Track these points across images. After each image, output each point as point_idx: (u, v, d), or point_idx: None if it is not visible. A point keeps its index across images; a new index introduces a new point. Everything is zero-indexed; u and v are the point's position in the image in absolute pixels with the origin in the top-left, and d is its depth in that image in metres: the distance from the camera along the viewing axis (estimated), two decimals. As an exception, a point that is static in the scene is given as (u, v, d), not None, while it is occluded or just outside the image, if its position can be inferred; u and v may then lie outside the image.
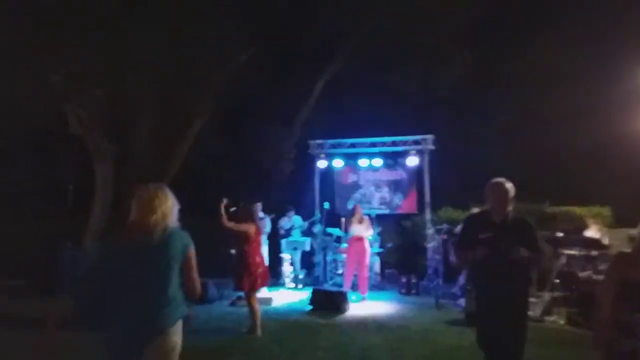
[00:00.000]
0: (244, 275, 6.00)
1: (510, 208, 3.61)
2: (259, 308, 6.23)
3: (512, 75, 11.85)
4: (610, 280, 2.98)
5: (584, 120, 10.82)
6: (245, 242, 6.05)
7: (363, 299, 8.40)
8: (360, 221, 8.55)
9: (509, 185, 3.62)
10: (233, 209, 6.44)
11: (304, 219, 10.44)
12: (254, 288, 6.08)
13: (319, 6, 11.15)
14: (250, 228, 6.07)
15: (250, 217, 6.18)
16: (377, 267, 9.88)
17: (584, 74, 10.73)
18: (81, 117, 10.13)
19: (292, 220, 10.34)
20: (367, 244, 8.58)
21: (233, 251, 6.76)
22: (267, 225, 9.23)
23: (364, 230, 8.51)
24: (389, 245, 10.14)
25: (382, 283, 9.83)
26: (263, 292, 8.40)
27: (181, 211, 2.91)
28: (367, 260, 8.62)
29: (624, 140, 10.53)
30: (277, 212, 9.93)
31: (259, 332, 6.05)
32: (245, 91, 11.21)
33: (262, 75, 10.98)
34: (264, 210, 9.01)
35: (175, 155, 10.92)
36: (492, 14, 11.34)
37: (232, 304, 7.96)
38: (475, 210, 6.06)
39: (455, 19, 11.34)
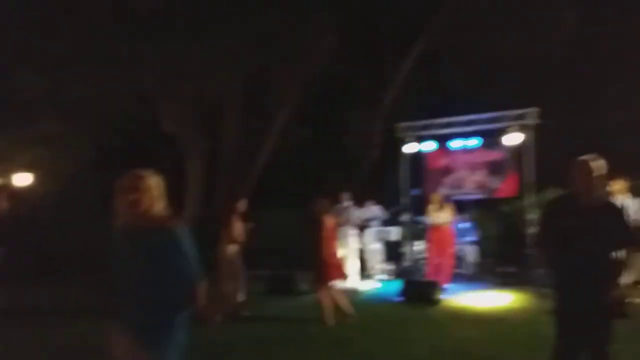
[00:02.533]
0: (318, 266, 5.91)
1: (600, 190, 3.21)
2: (342, 298, 6.05)
3: (625, 39, 10.30)
4: None
5: None
6: (320, 232, 5.94)
7: (443, 289, 7.65)
8: (440, 208, 8.06)
9: (596, 164, 3.10)
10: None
11: (388, 208, 9.88)
12: (331, 278, 5.95)
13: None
14: (325, 219, 6.03)
15: (325, 210, 6.15)
16: (472, 257, 9.14)
17: None
18: (173, 115, 10.58)
19: (371, 211, 9.83)
20: (450, 231, 8.09)
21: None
22: (352, 215, 8.91)
23: (445, 218, 8.01)
24: (483, 233, 9.33)
25: (478, 274, 9.02)
26: (350, 283, 8.17)
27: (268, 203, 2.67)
28: (452, 249, 8.12)
29: None
30: (356, 202, 9.49)
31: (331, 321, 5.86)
32: (328, 77, 10.93)
33: (344, 59, 10.61)
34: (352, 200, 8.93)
35: (262, 147, 10.99)
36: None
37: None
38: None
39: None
